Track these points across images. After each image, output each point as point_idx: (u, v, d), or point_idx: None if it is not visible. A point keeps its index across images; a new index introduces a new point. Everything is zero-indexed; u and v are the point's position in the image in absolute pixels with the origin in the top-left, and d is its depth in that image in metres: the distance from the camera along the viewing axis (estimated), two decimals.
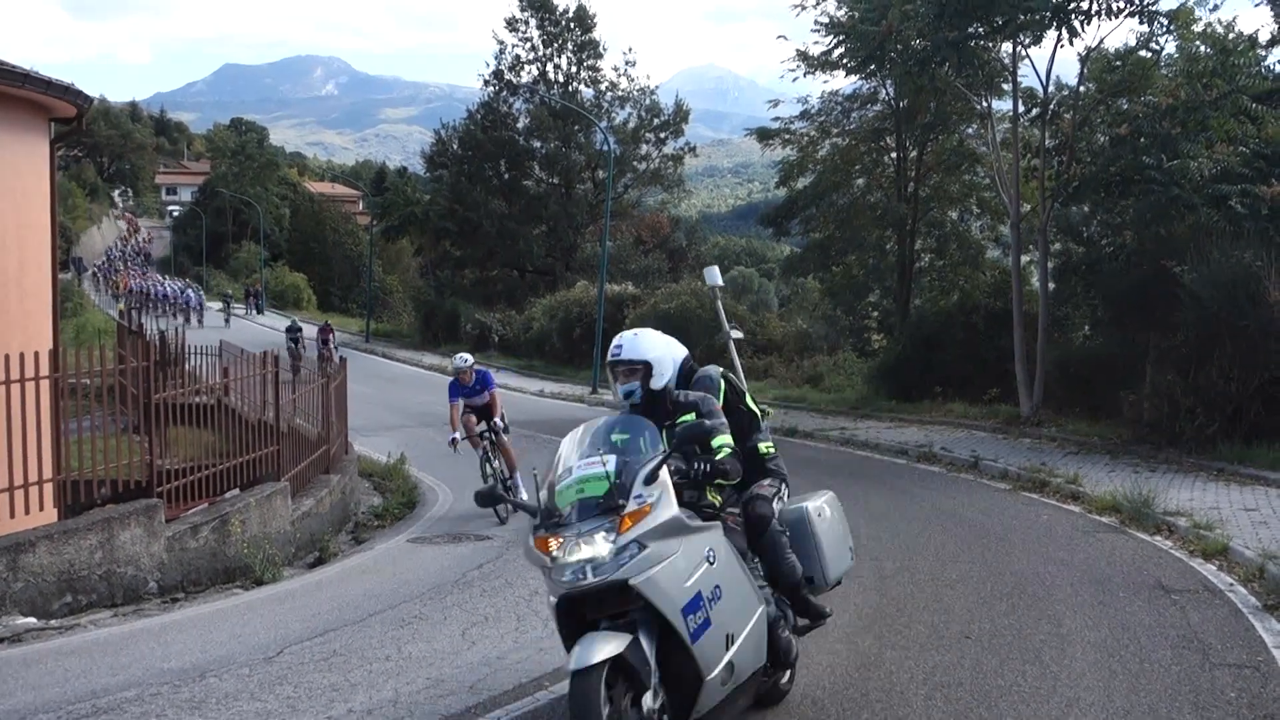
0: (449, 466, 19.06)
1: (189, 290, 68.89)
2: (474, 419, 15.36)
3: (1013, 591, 10.07)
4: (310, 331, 42.67)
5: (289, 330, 41.23)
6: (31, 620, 9.10)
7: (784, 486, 7.03)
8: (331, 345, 38.42)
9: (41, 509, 10.19)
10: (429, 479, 18.26)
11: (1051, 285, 23.14)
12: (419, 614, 9.58)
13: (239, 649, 8.48)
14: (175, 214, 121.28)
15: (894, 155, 32.47)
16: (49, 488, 10.40)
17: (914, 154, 31.55)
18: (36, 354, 10.26)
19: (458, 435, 15.07)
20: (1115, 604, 9.59)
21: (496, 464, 15.36)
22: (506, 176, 61.04)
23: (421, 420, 26.67)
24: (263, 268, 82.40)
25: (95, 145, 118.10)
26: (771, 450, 7.02)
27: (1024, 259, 24.91)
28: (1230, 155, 19.10)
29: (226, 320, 62.62)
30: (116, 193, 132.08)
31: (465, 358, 15.54)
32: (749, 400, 7.10)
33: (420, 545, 13.30)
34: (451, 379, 15.64)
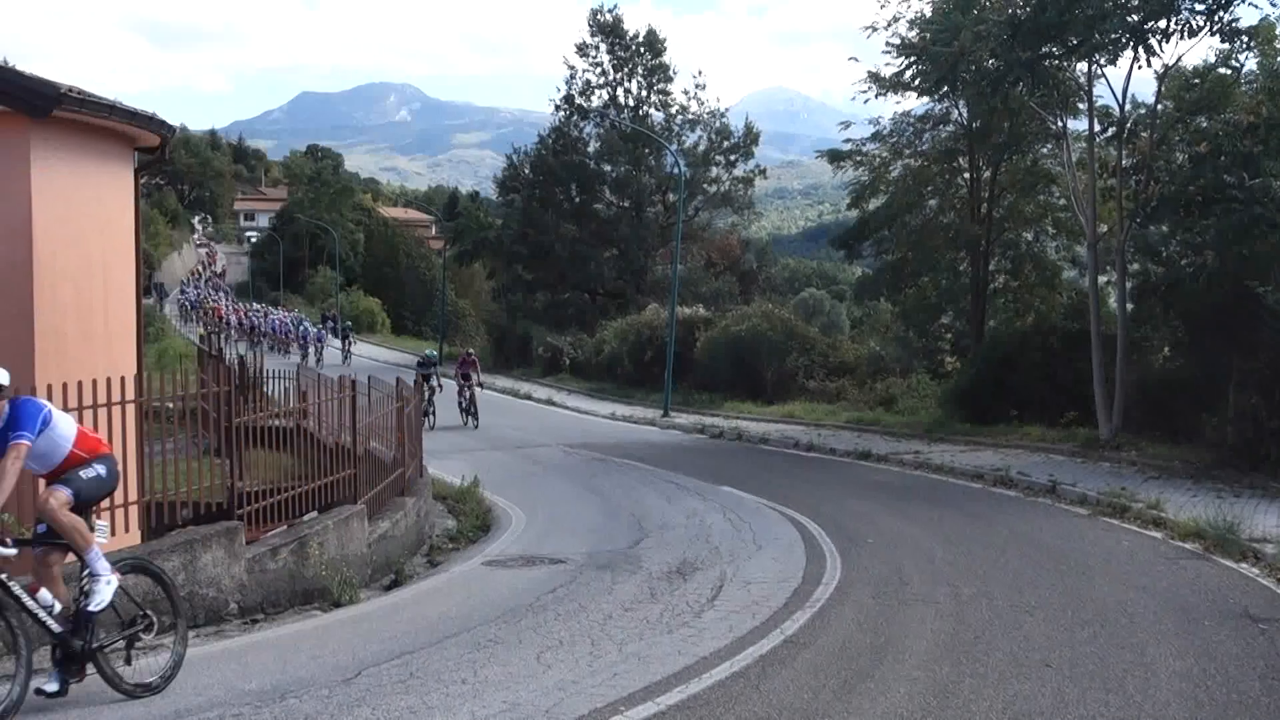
0: (522, 490, 19.16)
1: (305, 322, 63.81)
2: None
3: (1094, 619, 9.91)
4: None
5: (422, 365, 34.80)
6: None
7: None
8: (475, 381, 31.73)
9: (127, 531, 10.34)
10: (503, 502, 18.33)
11: (1130, 306, 22.79)
12: (494, 637, 9.59)
13: (318, 670, 8.54)
14: (253, 240, 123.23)
15: (967, 176, 32.17)
16: (134, 509, 10.55)
17: (988, 174, 31.24)
18: (123, 379, 10.44)
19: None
20: (1200, 633, 9.40)
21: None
22: (577, 200, 61.33)
23: (494, 444, 26.80)
24: (338, 293, 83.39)
25: (176, 173, 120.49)
26: None
27: (1101, 279, 24.59)
28: None
29: (346, 357, 55.68)
30: (196, 219, 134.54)
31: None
32: None
33: (494, 568, 13.33)
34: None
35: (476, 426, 30.55)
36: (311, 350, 56.70)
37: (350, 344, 58.40)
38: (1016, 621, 9.87)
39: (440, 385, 31.93)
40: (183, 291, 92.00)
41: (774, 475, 20.60)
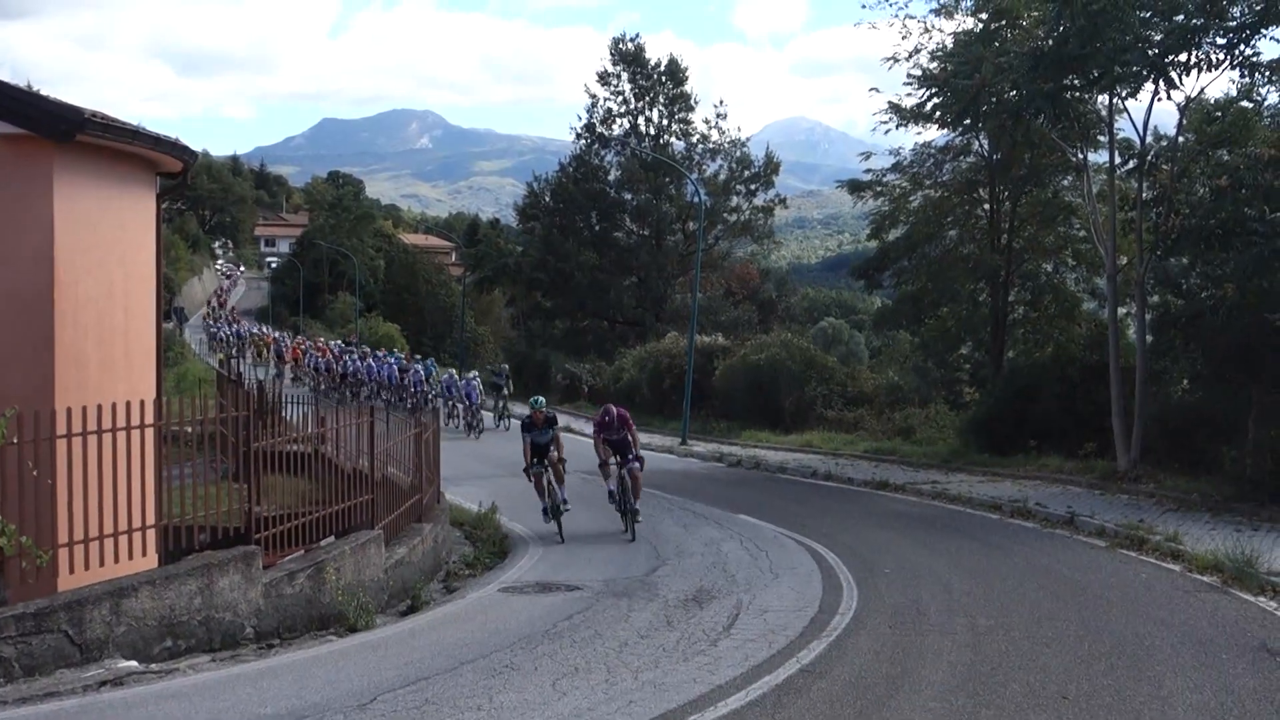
0: (539, 517, 19.13)
1: (417, 367, 41.06)
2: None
3: (1111, 651, 9.86)
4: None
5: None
6: (133, 664, 9.25)
7: None
8: (634, 455, 17.97)
9: (144, 554, 10.37)
10: (519, 528, 18.33)
11: (1149, 338, 22.72)
12: (510, 663, 9.59)
13: (333, 695, 8.55)
14: (274, 265, 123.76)
15: (987, 207, 32.15)
16: (151, 533, 10.59)
17: (1008, 206, 31.23)
18: (142, 402, 10.51)
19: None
20: (1219, 666, 9.34)
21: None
22: (598, 228, 61.60)
23: (511, 470, 26.62)
24: (358, 318, 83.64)
25: (198, 198, 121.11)
26: None
27: (1121, 311, 24.52)
28: None
29: (500, 418, 37.31)
30: (217, 244, 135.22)
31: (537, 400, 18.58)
32: None
33: (511, 595, 13.33)
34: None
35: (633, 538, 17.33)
36: (459, 412, 36.63)
37: (505, 400, 37.86)
38: (1034, 653, 9.83)
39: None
40: (214, 323, 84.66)
41: (791, 504, 20.56)
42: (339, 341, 62.28)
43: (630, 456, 17.60)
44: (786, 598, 12.44)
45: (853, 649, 10.09)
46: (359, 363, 46.55)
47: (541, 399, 19.02)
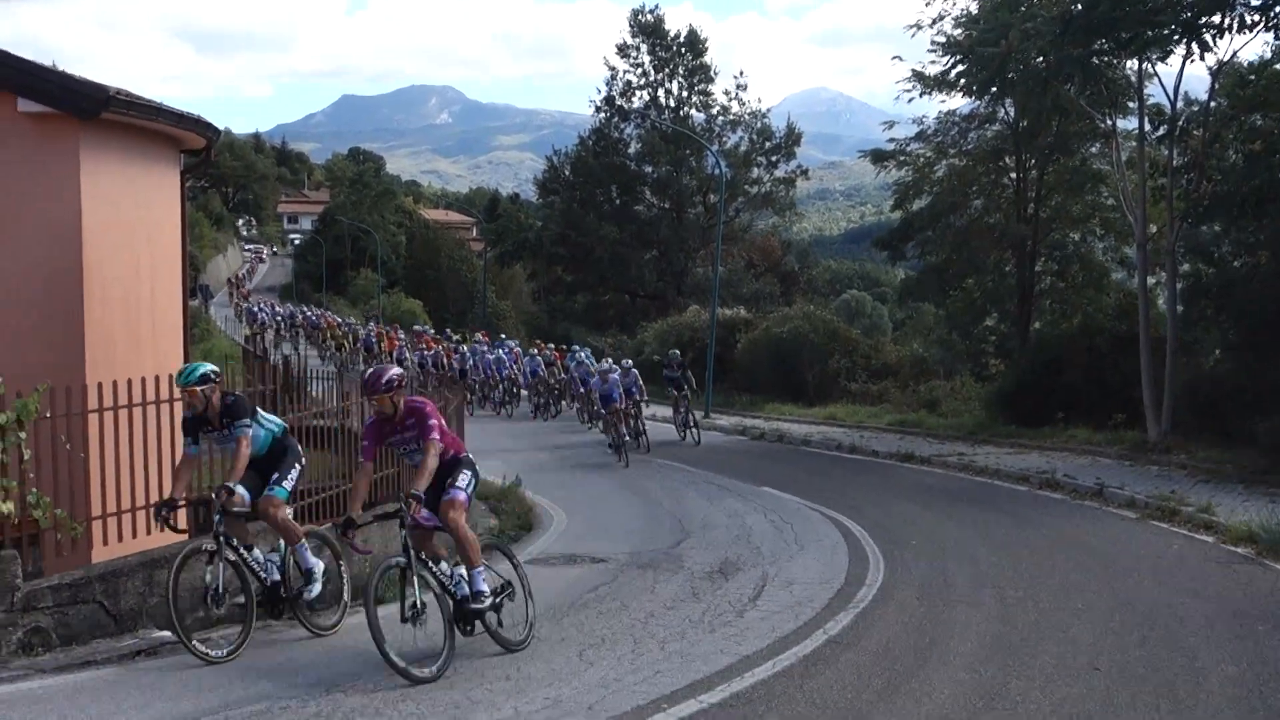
0: (563, 490, 19.16)
1: (536, 357, 34.87)
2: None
3: (1143, 622, 9.80)
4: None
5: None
6: (166, 634, 9.29)
7: None
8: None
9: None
10: (544, 502, 18.32)
11: (1180, 307, 22.52)
12: (537, 634, 9.59)
13: (363, 665, 8.56)
14: (296, 242, 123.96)
15: (1013, 176, 31.91)
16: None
17: (1034, 174, 30.99)
18: (171, 376, 10.52)
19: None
20: (1253, 638, 9.27)
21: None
22: (618, 202, 61.45)
23: (535, 444, 26.83)
24: (380, 294, 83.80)
25: (221, 176, 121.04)
26: None
27: (1150, 280, 24.33)
28: None
29: (686, 430, 26.56)
30: (240, 222, 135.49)
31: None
32: None
33: (536, 567, 13.29)
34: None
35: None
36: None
37: (687, 403, 27.03)
38: (1064, 624, 9.77)
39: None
40: (261, 306, 72.18)
41: (816, 477, 20.50)
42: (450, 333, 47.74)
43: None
44: (812, 570, 12.41)
45: (880, 620, 10.05)
46: (480, 355, 36.72)
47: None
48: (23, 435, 9.03)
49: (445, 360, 37.30)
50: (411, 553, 8.59)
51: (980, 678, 8.22)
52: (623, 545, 14.29)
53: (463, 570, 8.94)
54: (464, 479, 9.17)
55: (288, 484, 9.48)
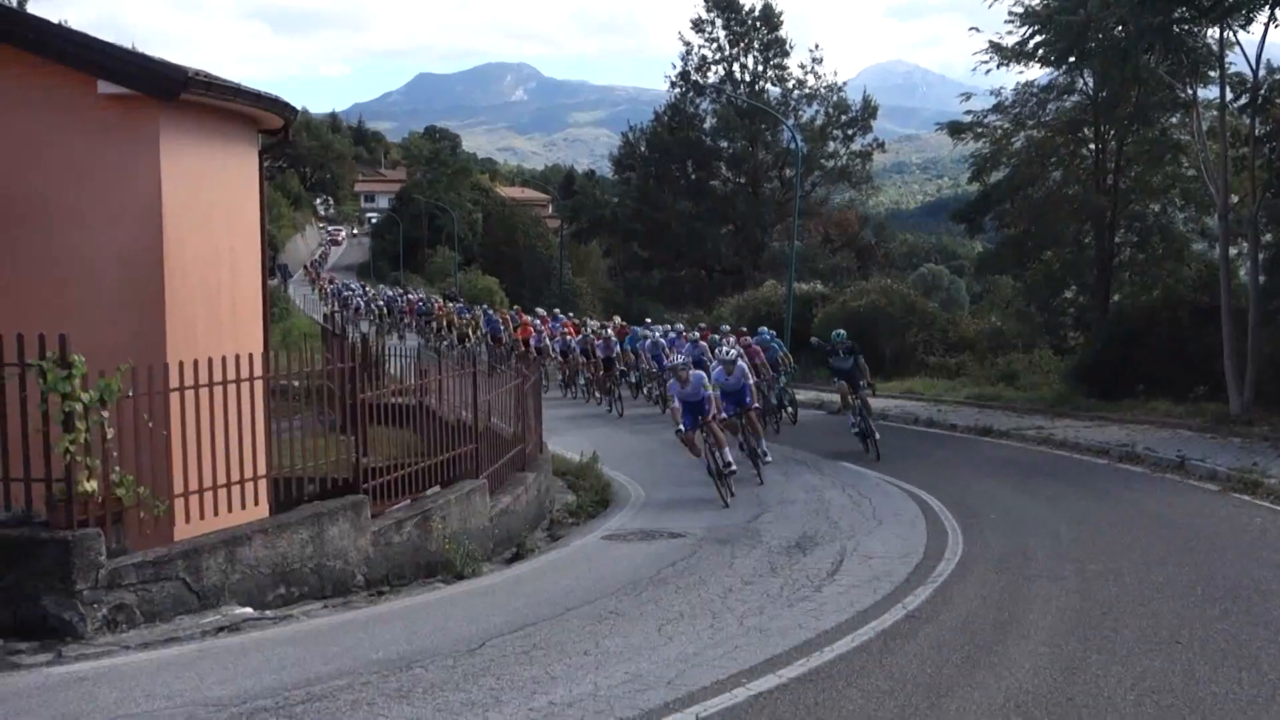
0: (640, 466, 19.21)
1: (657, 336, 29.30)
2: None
3: (1225, 596, 9.65)
4: None
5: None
6: (248, 610, 9.46)
7: None
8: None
9: (256, 504, 10.57)
10: (621, 477, 18.40)
11: (1263, 278, 22.08)
12: (615, 610, 9.66)
13: (443, 641, 8.67)
14: (373, 221, 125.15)
15: (1092, 147, 31.48)
16: (262, 484, 10.79)
17: (1113, 145, 30.50)
18: (251, 356, 10.68)
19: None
20: None
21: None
22: (694, 177, 61.37)
23: (611, 421, 26.93)
24: (456, 272, 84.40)
25: (298, 156, 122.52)
26: None
27: (1232, 251, 23.88)
28: None
29: (867, 440, 19.71)
30: (318, 201, 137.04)
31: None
32: None
33: (614, 542, 13.41)
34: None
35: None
36: None
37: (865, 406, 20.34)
38: (1145, 598, 9.65)
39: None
40: (359, 289, 67.84)
41: (893, 451, 20.34)
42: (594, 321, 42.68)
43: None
44: (890, 544, 12.36)
45: (959, 595, 9.99)
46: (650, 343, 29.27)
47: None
48: (106, 414, 9.14)
49: (592, 347, 30.85)
50: None
51: (1061, 652, 8.15)
52: (700, 521, 14.31)
53: None
54: None
55: None
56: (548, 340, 35.26)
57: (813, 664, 7.89)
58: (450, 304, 54.09)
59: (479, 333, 42.74)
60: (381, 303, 60.05)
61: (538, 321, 39.46)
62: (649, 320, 35.27)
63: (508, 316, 43.39)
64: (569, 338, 33.69)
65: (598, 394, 30.63)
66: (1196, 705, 6.90)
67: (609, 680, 7.56)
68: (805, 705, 7.03)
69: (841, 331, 20.97)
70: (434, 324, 49.62)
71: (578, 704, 7.05)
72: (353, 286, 72.10)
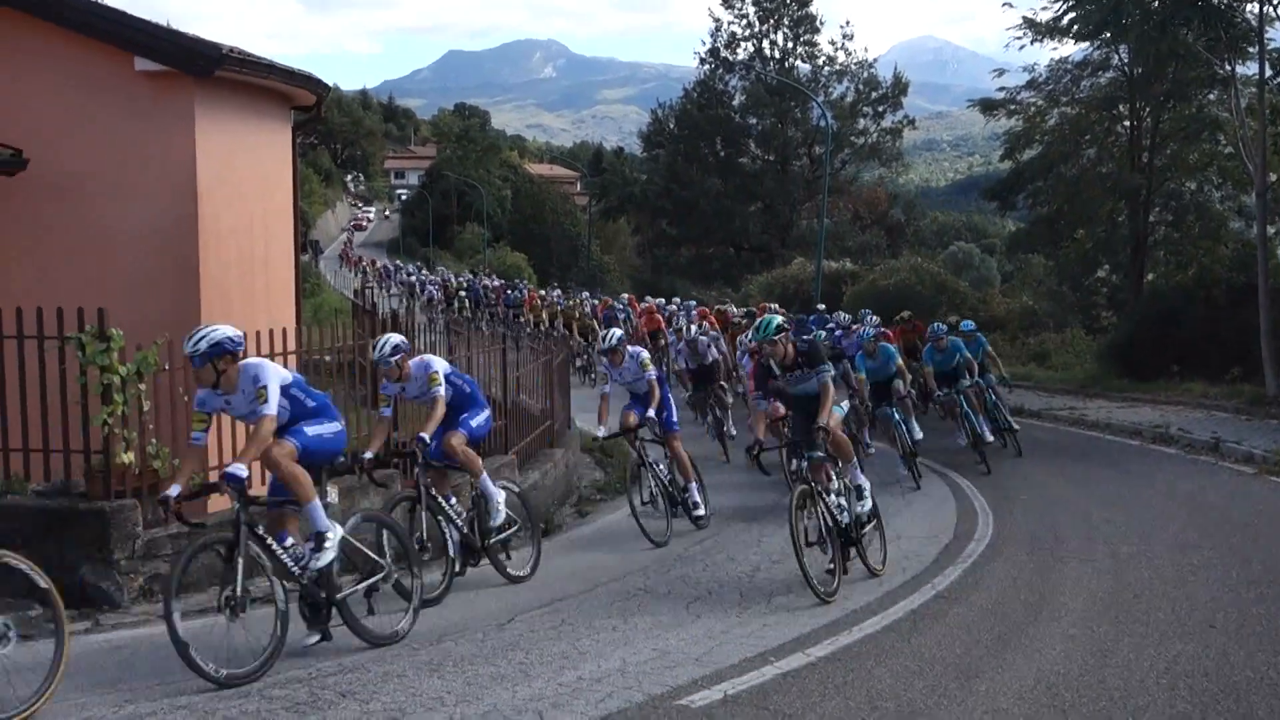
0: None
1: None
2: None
3: (1261, 579, 9.57)
4: None
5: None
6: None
7: None
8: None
9: None
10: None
11: None
12: (643, 586, 9.68)
13: (472, 616, 8.73)
14: (403, 197, 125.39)
15: (1127, 124, 31.20)
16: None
17: (1149, 122, 30.22)
18: (285, 330, 10.73)
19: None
20: None
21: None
22: (722, 154, 61.21)
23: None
24: (485, 248, 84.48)
25: (329, 132, 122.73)
26: None
27: (1270, 230, 23.66)
28: None
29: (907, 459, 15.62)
30: (349, 178, 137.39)
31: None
32: None
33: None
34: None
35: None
36: None
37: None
38: (1178, 581, 9.59)
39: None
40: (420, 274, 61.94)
41: (923, 430, 20.28)
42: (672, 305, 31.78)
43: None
44: (920, 524, 12.33)
45: (989, 576, 9.95)
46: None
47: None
48: (143, 387, 9.23)
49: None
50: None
51: (1093, 634, 8.11)
52: (729, 499, 14.30)
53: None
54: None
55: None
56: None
57: (841, 643, 7.87)
58: (547, 292, 45.19)
59: (549, 322, 33.73)
60: (463, 294, 48.22)
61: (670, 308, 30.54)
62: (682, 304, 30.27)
63: (614, 303, 36.51)
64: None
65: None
66: (1231, 689, 6.84)
67: (636, 656, 7.58)
68: (834, 684, 7.01)
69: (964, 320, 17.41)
70: (529, 318, 37.39)
71: (606, 679, 7.06)
72: (422, 273, 63.57)
